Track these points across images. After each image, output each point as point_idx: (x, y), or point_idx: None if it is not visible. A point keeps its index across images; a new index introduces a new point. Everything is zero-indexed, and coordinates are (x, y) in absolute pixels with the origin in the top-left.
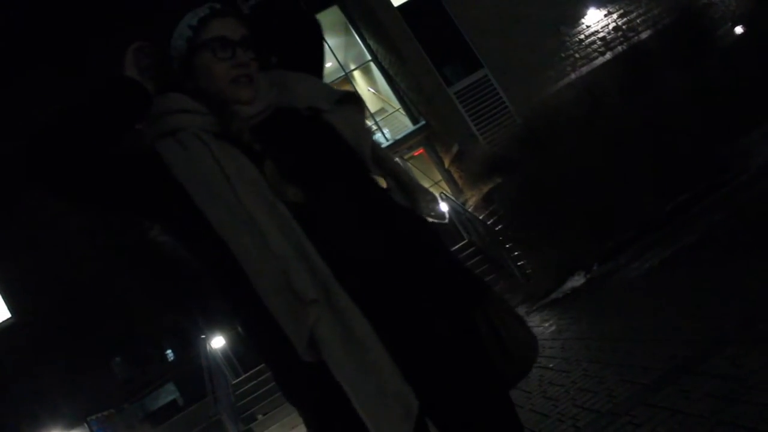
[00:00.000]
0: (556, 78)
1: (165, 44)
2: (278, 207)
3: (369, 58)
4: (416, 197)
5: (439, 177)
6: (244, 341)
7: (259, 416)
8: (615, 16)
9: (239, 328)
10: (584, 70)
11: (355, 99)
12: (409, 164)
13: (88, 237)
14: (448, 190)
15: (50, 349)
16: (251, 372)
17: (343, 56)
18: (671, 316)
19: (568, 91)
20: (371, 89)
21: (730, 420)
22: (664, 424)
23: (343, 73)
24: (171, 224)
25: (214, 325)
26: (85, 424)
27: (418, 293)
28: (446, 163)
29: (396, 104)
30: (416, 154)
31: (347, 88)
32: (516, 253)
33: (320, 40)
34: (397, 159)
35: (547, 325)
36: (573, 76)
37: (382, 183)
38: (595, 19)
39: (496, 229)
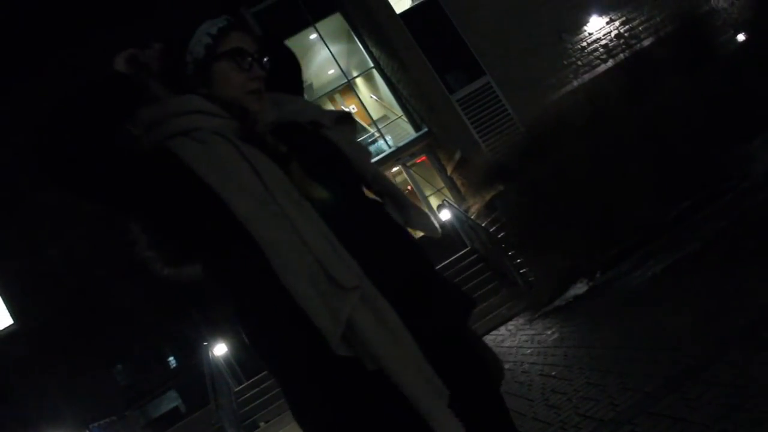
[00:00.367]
0: (559, 85)
1: (172, 46)
2: (305, 204)
3: (371, 65)
4: (409, 214)
5: (442, 184)
6: (250, 351)
7: (262, 424)
8: (617, 23)
9: (246, 336)
10: (586, 77)
11: (351, 119)
12: (411, 171)
13: (90, 244)
14: (451, 198)
15: (52, 355)
16: (254, 379)
17: (346, 63)
18: (674, 324)
19: (570, 98)
20: (374, 96)
21: (732, 428)
22: None
23: (346, 81)
24: (187, 223)
25: (216, 332)
26: (87, 431)
27: (426, 298)
28: (449, 171)
29: (398, 111)
30: (419, 161)
31: (350, 95)
32: (519, 260)
33: (299, 70)
34: (398, 167)
35: (549, 332)
36: (575, 83)
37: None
38: (597, 27)
39: (499, 236)
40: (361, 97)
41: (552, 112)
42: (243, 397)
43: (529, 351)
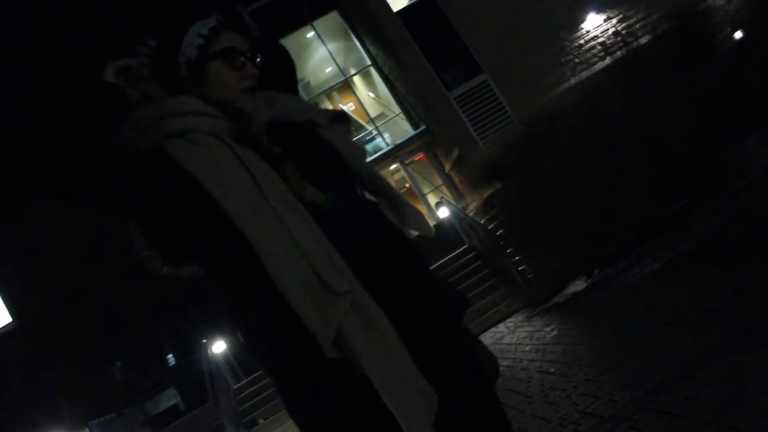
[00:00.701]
0: (556, 83)
1: (164, 45)
2: (300, 207)
3: (369, 63)
4: (405, 213)
5: (440, 182)
6: (248, 348)
7: (261, 421)
8: (614, 21)
9: (241, 335)
10: (584, 74)
11: (346, 118)
12: (409, 169)
13: (88, 242)
14: (449, 195)
15: (51, 353)
16: (253, 376)
17: (343, 61)
18: (672, 321)
19: (568, 96)
20: (371, 94)
21: (731, 425)
22: (666, 429)
23: (344, 78)
24: (181, 223)
25: (215, 330)
26: (87, 428)
27: (421, 298)
28: (447, 168)
29: (396, 109)
30: (416, 159)
31: (347, 93)
32: (517, 257)
33: (294, 69)
34: (396, 164)
35: (548, 329)
36: (573, 80)
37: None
38: (594, 24)
39: (497, 233)
40: (358, 95)
41: (549, 110)
42: (242, 395)
43: (527, 348)
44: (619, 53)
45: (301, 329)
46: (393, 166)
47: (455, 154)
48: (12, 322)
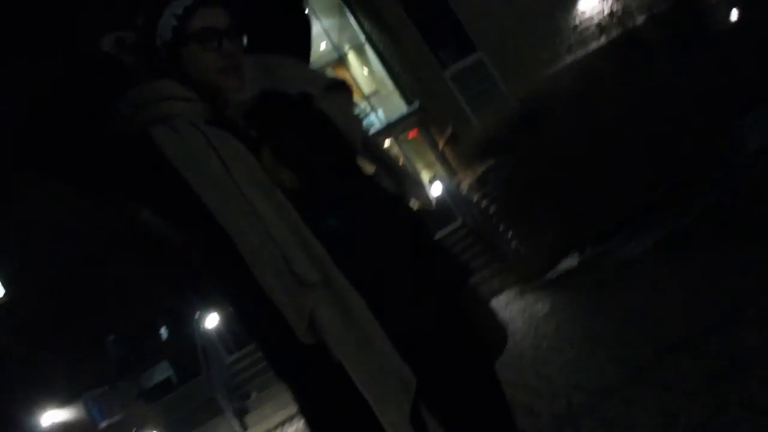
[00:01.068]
0: (551, 62)
1: (150, 27)
2: (275, 194)
3: (363, 39)
4: (404, 183)
5: (433, 159)
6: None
7: (254, 393)
8: (610, 1)
9: (231, 309)
10: (579, 54)
11: (345, 87)
12: (403, 146)
13: (81, 216)
14: (443, 172)
15: (44, 327)
16: (245, 350)
17: (337, 37)
18: (665, 297)
19: (562, 75)
20: (365, 70)
21: (723, 396)
22: (658, 402)
23: (337, 55)
24: (167, 209)
25: (207, 303)
26: (82, 400)
27: (408, 274)
28: (440, 145)
29: (390, 86)
30: (410, 136)
31: (341, 69)
32: (510, 234)
33: (308, 23)
34: (390, 141)
35: (540, 305)
36: (568, 60)
37: (370, 169)
38: (590, 4)
39: (490, 210)
40: (352, 72)
41: (544, 88)
42: (235, 368)
43: (519, 324)
44: (614, 33)
45: (279, 315)
46: (387, 143)
47: (449, 131)
48: (4, 295)
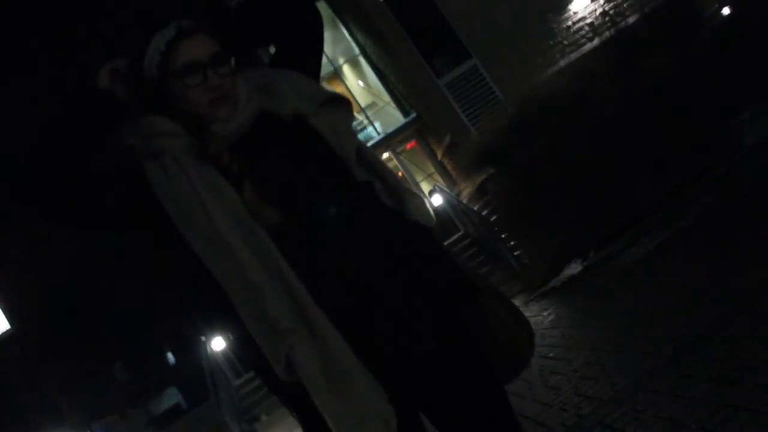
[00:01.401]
0: (546, 65)
1: (138, 60)
2: (256, 232)
3: (357, 51)
4: (404, 200)
5: (432, 169)
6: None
7: (263, 416)
8: (601, 1)
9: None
10: (573, 56)
11: (342, 101)
12: (401, 158)
13: (83, 243)
14: (442, 182)
15: (51, 356)
16: (253, 373)
17: (332, 51)
18: (670, 301)
19: (558, 78)
20: (361, 83)
21: (732, 402)
22: (667, 410)
23: (332, 68)
24: (158, 243)
25: (213, 327)
26: (90, 430)
27: (402, 299)
28: (439, 155)
29: (386, 98)
30: (408, 147)
31: (336, 83)
32: (512, 243)
33: (319, 25)
34: (388, 153)
35: (546, 314)
36: (562, 62)
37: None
38: (582, 5)
39: (491, 219)
40: (348, 85)
41: (540, 93)
42: (243, 391)
43: None
44: (607, 33)
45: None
46: (385, 156)
47: (447, 140)
48: (10, 329)
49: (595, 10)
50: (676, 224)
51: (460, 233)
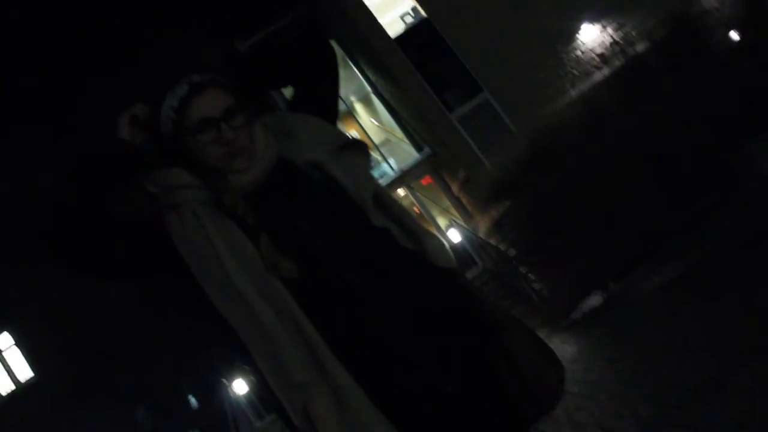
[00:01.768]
0: (556, 96)
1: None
2: (273, 284)
3: (369, 89)
4: (423, 243)
5: (448, 204)
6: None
7: None
8: (610, 30)
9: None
10: (583, 86)
11: (359, 146)
12: (417, 193)
13: (102, 288)
14: (459, 217)
15: (73, 403)
16: (275, 415)
17: (344, 90)
18: (692, 332)
19: (569, 109)
20: (374, 121)
21: None
22: None
23: (345, 107)
24: (178, 290)
25: (235, 370)
26: None
27: (424, 348)
28: (454, 190)
29: (400, 134)
30: (424, 182)
31: (350, 121)
32: (531, 276)
33: (334, 64)
34: (403, 189)
35: (568, 347)
36: (573, 93)
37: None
38: (590, 35)
39: (509, 253)
40: (361, 123)
41: (552, 124)
42: None
43: None
44: (617, 62)
45: None
46: (400, 192)
47: (462, 174)
48: (34, 376)
49: (604, 40)
50: (694, 253)
51: (478, 268)
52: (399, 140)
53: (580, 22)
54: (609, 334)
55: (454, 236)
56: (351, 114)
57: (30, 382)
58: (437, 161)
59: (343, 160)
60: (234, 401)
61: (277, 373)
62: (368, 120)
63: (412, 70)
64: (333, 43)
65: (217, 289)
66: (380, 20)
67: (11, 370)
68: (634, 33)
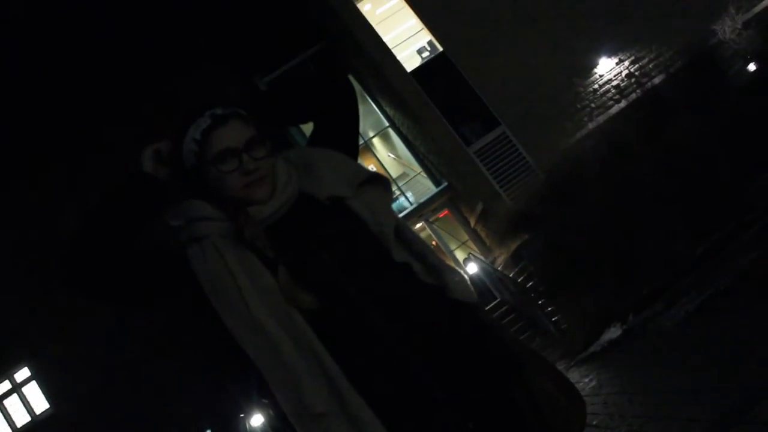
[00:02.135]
0: (574, 129)
1: (177, 148)
2: (292, 316)
3: (387, 124)
4: (444, 278)
5: (466, 237)
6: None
7: None
8: (627, 63)
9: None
10: (601, 119)
11: (381, 181)
12: (435, 226)
13: (120, 321)
14: (477, 250)
15: None
16: None
17: (362, 125)
18: (713, 364)
19: (586, 142)
20: (391, 155)
21: None
22: None
23: (363, 142)
24: (197, 321)
25: (252, 403)
26: None
27: (442, 382)
28: (472, 223)
29: (417, 168)
30: (441, 216)
31: (368, 155)
32: (549, 308)
33: (354, 99)
34: (421, 223)
35: (587, 380)
36: (590, 126)
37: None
38: (607, 68)
39: (528, 285)
40: (378, 157)
41: (570, 157)
42: None
43: None
44: (634, 95)
45: None
46: (418, 225)
47: (479, 208)
48: (50, 408)
49: (621, 72)
50: (715, 283)
51: (497, 301)
52: (416, 174)
53: (598, 55)
54: (628, 366)
55: (472, 269)
56: (369, 149)
57: (45, 414)
58: (455, 194)
59: (364, 195)
60: None
61: (295, 404)
62: (386, 154)
63: (429, 104)
64: (351, 78)
65: (237, 320)
66: (397, 55)
67: (28, 403)
68: (650, 65)
